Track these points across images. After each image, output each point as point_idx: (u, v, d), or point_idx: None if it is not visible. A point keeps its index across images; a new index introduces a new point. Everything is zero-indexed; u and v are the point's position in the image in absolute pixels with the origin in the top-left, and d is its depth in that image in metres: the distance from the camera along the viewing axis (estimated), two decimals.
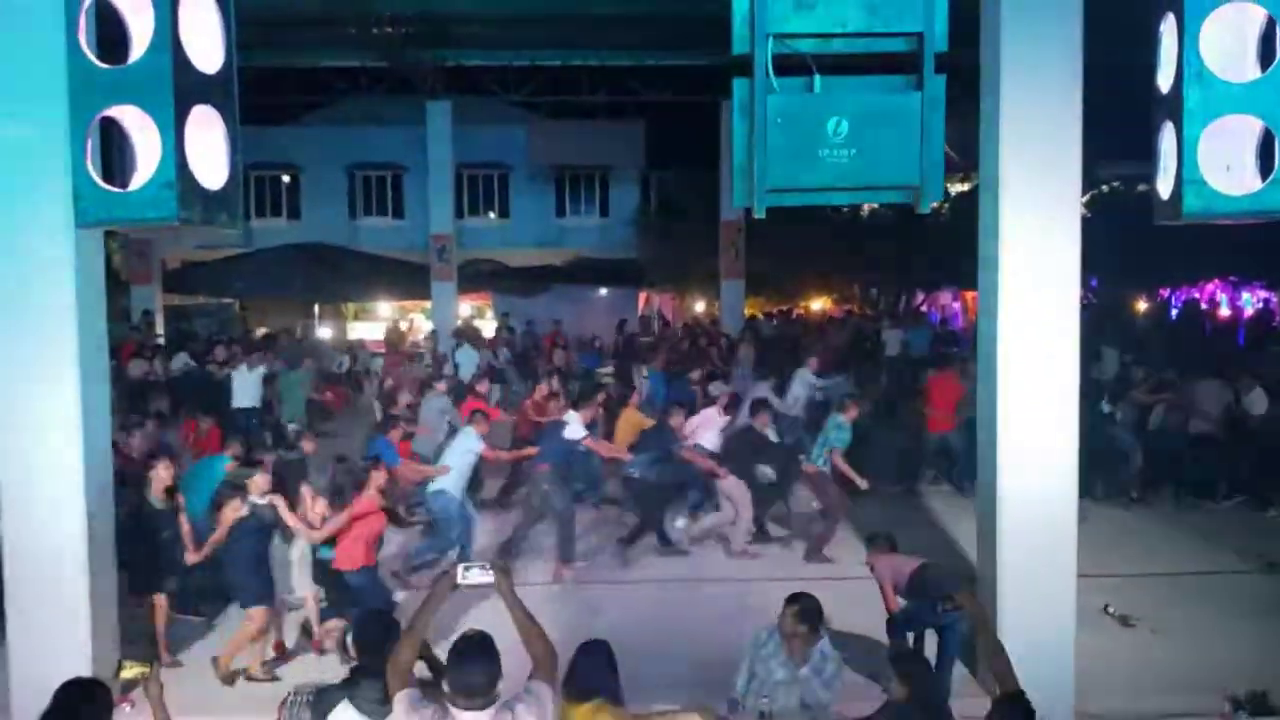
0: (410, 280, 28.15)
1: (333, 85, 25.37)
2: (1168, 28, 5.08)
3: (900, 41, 5.34)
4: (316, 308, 31.08)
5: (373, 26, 19.93)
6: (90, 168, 4.61)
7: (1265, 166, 5.02)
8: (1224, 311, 29.27)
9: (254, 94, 20.01)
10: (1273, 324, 25.11)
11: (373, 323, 30.82)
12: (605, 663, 5.10)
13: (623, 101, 26.97)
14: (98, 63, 4.62)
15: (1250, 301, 28.87)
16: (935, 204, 5.70)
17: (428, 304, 27.16)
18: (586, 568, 11.07)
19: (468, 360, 18.85)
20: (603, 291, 29.92)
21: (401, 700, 4.11)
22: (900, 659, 5.70)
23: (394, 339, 24.45)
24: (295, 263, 27.95)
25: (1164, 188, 5.21)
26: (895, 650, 7.66)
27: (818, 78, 5.31)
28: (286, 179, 33.41)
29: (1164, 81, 5.12)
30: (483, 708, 4.03)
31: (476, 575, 4.37)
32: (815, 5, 5.17)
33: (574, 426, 11.24)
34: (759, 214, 5.48)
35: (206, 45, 4.96)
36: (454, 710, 4.04)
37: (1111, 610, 9.32)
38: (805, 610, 6.01)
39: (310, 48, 21.60)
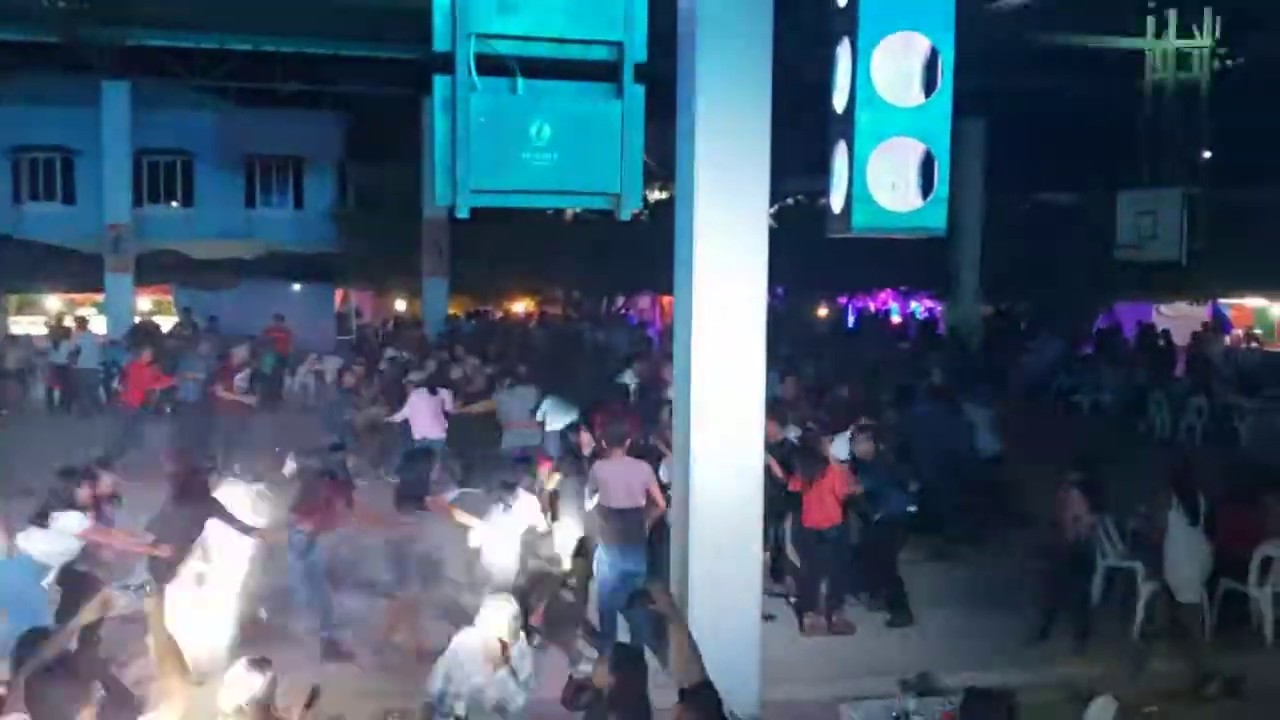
0: (82, 271, 26.19)
1: None
2: (843, 51, 5.40)
3: (602, 49, 5.41)
4: None
5: None
6: None
7: (925, 186, 5.44)
8: (895, 318, 31.69)
9: None
10: (937, 331, 27.33)
11: (38, 316, 28.34)
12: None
13: (320, 91, 26.09)
14: None
15: (918, 310, 31.31)
16: (635, 211, 5.79)
17: (101, 297, 25.38)
18: None
19: (87, 346, 20.48)
20: (296, 287, 28.77)
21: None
22: (617, 650, 5.78)
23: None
24: None
25: (836, 202, 5.54)
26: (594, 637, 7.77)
27: (521, 80, 5.30)
28: None
29: (838, 102, 5.44)
30: None
31: (129, 599, 4.59)
32: (518, 7, 5.16)
33: None
34: (462, 213, 5.43)
35: None
36: None
37: (796, 602, 9.79)
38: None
39: None
